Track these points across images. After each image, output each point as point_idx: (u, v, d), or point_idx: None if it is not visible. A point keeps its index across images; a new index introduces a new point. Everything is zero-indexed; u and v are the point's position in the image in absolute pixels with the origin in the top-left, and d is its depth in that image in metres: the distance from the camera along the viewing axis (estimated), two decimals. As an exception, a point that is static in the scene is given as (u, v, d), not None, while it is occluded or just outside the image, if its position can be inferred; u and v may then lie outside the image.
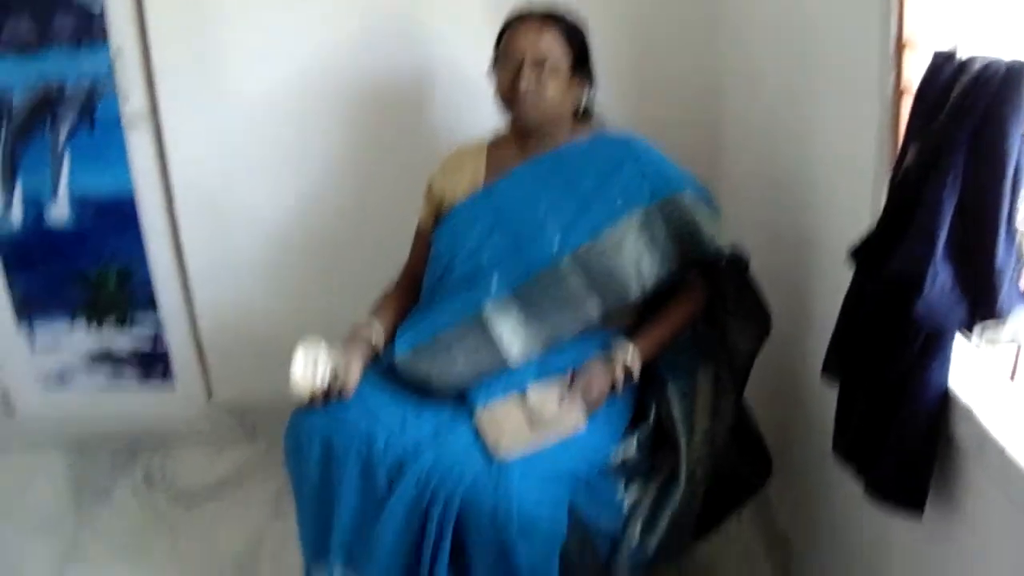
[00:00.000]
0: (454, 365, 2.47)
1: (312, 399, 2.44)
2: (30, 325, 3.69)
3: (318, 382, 2.42)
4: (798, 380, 2.71)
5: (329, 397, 2.45)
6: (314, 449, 2.42)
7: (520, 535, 2.26)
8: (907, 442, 1.85)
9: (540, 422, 2.38)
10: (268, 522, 3.35)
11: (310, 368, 2.43)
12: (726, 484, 2.65)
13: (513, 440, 2.34)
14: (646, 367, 2.53)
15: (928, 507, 1.87)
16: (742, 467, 2.69)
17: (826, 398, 2.35)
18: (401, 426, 2.40)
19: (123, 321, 3.66)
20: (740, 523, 3.08)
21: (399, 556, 2.35)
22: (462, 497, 2.27)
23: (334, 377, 2.45)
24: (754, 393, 2.70)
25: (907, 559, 2.11)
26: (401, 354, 2.50)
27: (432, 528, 2.29)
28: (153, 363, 3.71)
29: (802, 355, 2.63)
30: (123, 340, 3.69)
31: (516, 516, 2.25)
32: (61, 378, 3.74)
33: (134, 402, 3.76)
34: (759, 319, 2.58)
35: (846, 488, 2.39)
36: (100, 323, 3.67)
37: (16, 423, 3.79)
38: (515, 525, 2.25)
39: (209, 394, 3.72)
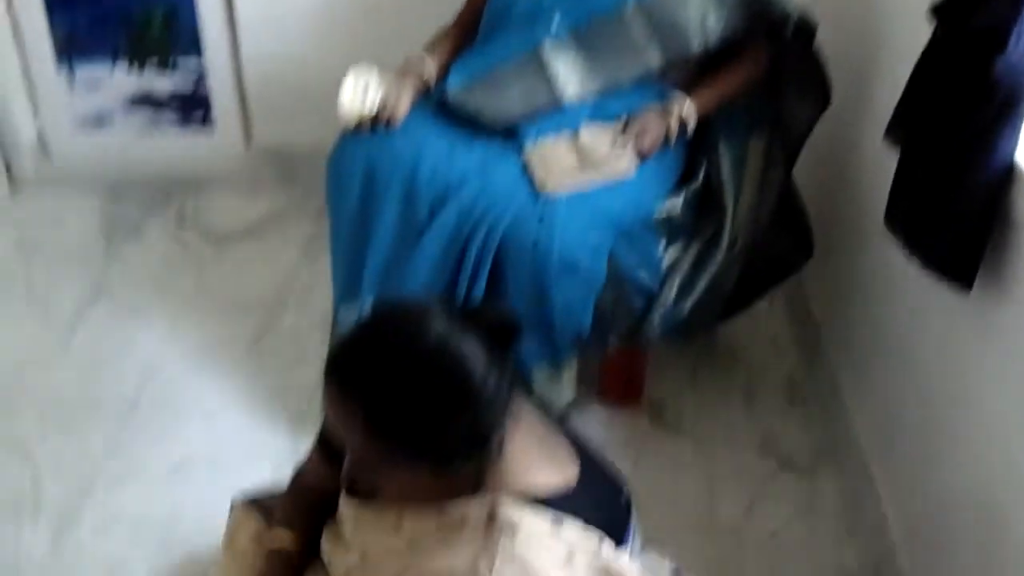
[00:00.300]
0: (507, 100, 2.43)
1: (359, 124, 2.41)
2: (70, 66, 3.62)
3: (367, 107, 2.39)
4: (848, 160, 2.68)
5: (376, 124, 2.42)
6: (356, 176, 2.41)
7: (559, 273, 2.27)
8: (966, 213, 1.82)
9: (590, 161, 2.35)
10: (298, 266, 3.36)
11: (359, 93, 2.39)
12: (765, 261, 2.64)
13: (561, 176, 2.32)
14: (700, 128, 2.49)
15: (975, 286, 1.84)
16: (783, 244, 2.67)
17: (875, 178, 2.33)
18: (448, 157, 2.37)
19: (165, 65, 3.60)
20: (771, 307, 3.08)
21: (433, 290, 2.35)
22: (504, 229, 2.27)
23: (383, 105, 2.41)
24: (801, 172, 2.66)
25: (943, 345, 2.09)
26: (454, 87, 2.46)
27: (470, 260, 2.29)
28: (193, 106, 3.66)
29: (857, 134, 2.59)
30: (164, 83, 3.62)
31: (557, 253, 2.25)
32: (99, 120, 3.70)
33: (171, 146, 3.72)
34: (819, 92, 2.52)
35: (884, 271, 2.39)
36: (142, 66, 3.61)
37: (50, 164, 3.76)
38: (555, 262, 2.26)
39: (248, 139, 3.67)
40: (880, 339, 2.44)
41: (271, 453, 2.69)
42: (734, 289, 2.60)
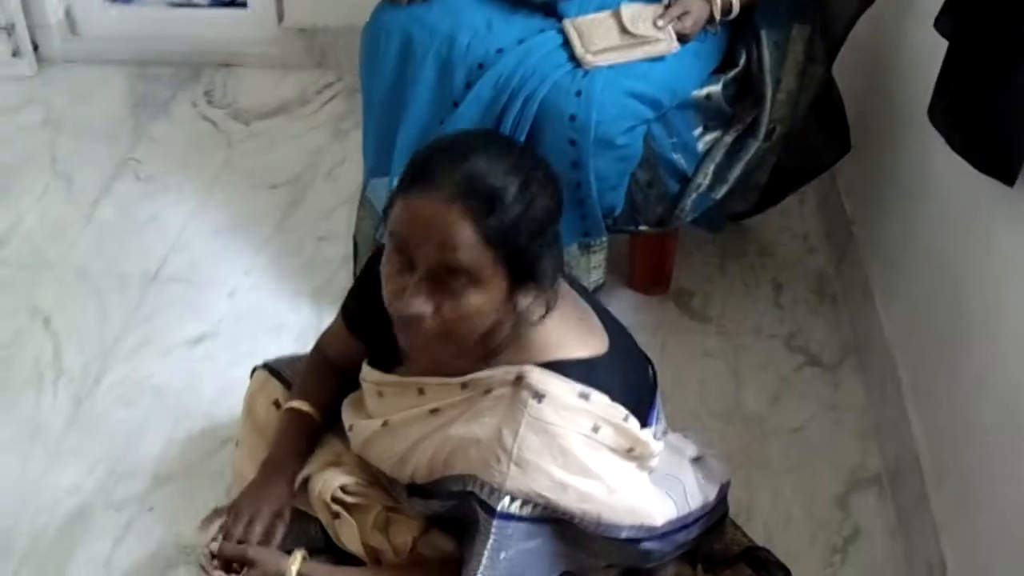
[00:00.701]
0: (548, -27, 2.39)
1: (398, -8, 2.38)
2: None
3: (406, -24, 2.36)
4: (889, 55, 2.63)
5: (416, -8, 2.39)
6: (392, 46, 2.37)
7: (595, 147, 2.24)
8: (1013, 104, 1.77)
9: (632, 35, 2.30)
10: (326, 145, 3.34)
11: (399, -38, 2.36)
12: (800, 154, 2.62)
13: (601, 51, 2.27)
14: (742, 15, 2.43)
15: (1019, 181, 1.80)
16: (819, 138, 2.63)
17: (916, 74, 2.30)
18: (486, 30, 2.33)
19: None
20: (803, 203, 3.06)
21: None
22: (541, 101, 2.23)
23: (422, -28, 2.38)
24: (840, 66, 2.61)
25: (977, 243, 2.05)
26: (494, -42, 2.42)
27: (506, 129, 2.25)
28: (226, -18, 3.64)
29: (899, 29, 2.54)
30: (197, -43, 3.61)
31: (593, 128, 2.22)
32: (129, -4, 3.69)
33: (202, 21, 3.70)
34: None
35: (920, 169, 2.36)
36: (173, -55, 3.59)
37: (78, 40, 3.75)
38: (592, 135, 2.22)
39: (280, 17, 3.63)
40: (913, 238, 2.40)
41: (293, 328, 2.69)
42: (768, 182, 2.58)
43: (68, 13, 3.72)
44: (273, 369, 2.05)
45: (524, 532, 1.60)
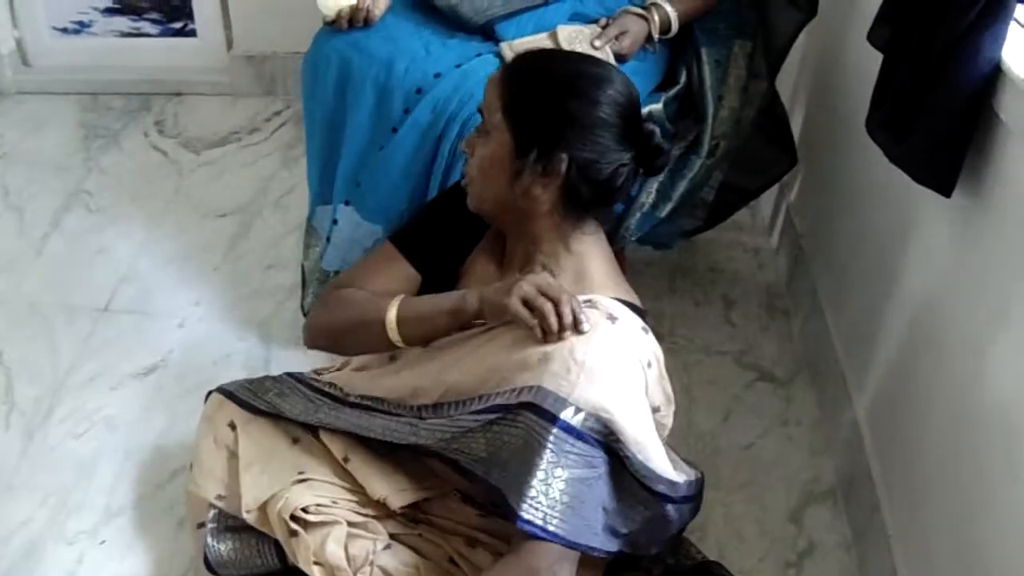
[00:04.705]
0: (486, -3, 2.39)
1: (337, 19, 2.37)
2: (50, -27, 3.59)
3: (345, 3, 2.34)
4: (832, 69, 2.66)
5: (354, 22, 2.38)
6: (331, 72, 2.37)
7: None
8: (948, 114, 1.77)
9: None
10: (276, 173, 3.35)
11: (338, -10, 2.35)
12: (747, 170, 2.62)
13: None
14: (682, 33, 2.44)
15: (957, 192, 1.81)
16: (765, 153, 2.64)
17: (859, 87, 2.29)
18: (424, 54, 2.33)
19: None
20: (753, 218, 3.07)
21: (405, 184, 2.33)
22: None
23: (360, 2, 2.36)
24: (784, 81, 2.62)
25: (923, 255, 2.06)
26: (431, -20, 2.42)
27: (444, 154, 2.26)
28: (174, 13, 3.62)
29: (842, 42, 2.56)
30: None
31: (532, 150, 2.21)
32: (79, 25, 3.67)
33: (153, 51, 3.71)
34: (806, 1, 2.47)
35: (867, 181, 2.37)
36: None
37: (30, 71, 3.77)
38: (529, 159, 2.22)
39: (230, 44, 3.64)
40: (860, 251, 2.41)
41: (241, 357, 2.67)
42: (716, 198, 2.59)
43: (19, 44, 3.71)
44: (227, 392, 2.03)
45: (581, 455, 1.60)
